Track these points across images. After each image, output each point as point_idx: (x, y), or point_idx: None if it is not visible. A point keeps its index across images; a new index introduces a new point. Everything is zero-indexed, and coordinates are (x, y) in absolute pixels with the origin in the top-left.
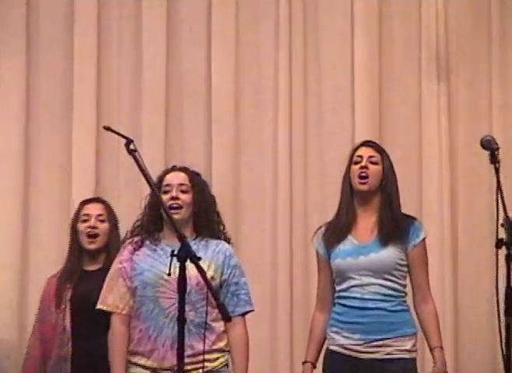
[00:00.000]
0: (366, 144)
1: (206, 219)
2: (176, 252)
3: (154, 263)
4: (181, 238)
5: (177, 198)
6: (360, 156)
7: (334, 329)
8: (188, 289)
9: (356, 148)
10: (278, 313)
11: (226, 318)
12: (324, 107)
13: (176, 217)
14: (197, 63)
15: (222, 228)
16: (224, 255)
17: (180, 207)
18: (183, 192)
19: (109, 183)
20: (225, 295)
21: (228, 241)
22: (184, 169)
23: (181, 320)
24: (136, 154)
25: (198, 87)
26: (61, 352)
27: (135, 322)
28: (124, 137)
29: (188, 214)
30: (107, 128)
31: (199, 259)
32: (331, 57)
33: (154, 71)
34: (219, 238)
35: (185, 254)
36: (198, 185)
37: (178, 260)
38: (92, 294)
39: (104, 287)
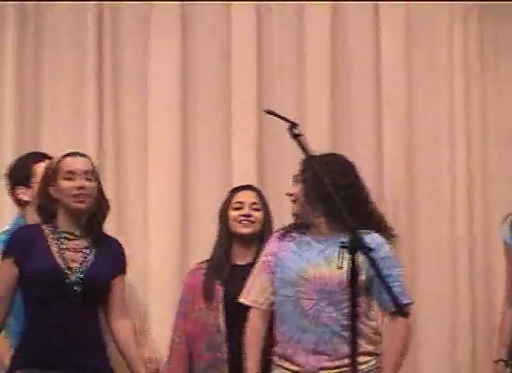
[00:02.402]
0: None
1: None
2: (347, 244)
3: (297, 259)
4: (352, 230)
5: None
6: None
7: None
8: (329, 289)
9: None
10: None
11: (403, 313)
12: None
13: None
14: (364, 41)
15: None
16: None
17: None
18: None
19: (272, 170)
20: (377, 289)
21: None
22: None
23: (354, 316)
24: (301, 138)
25: (365, 66)
26: (216, 355)
27: (277, 322)
28: (287, 120)
29: None
30: (270, 112)
31: (371, 250)
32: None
33: (318, 51)
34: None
35: (356, 245)
36: None
37: (350, 252)
38: None
39: (249, 280)
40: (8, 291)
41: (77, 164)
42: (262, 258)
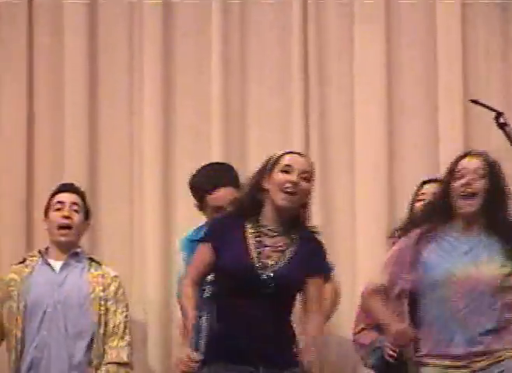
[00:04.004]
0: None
1: None
2: None
3: (443, 261)
4: None
5: None
6: None
7: None
8: (479, 290)
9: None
10: None
11: None
12: None
13: None
14: None
15: None
16: None
17: None
18: None
19: None
20: None
21: None
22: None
23: None
24: (507, 128)
25: None
26: None
27: (425, 323)
28: (493, 109)
29: None
30: (475, 101)
31: None
32: None
33: None
34: None
35: None
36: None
37: None
38: None
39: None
40: (206, 271)
41: (297, 161)
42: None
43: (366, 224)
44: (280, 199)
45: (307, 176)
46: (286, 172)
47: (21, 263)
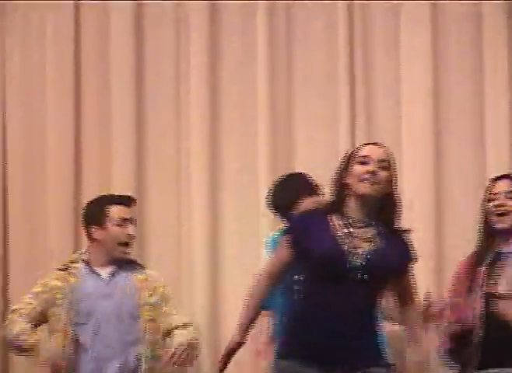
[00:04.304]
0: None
1: None
2: None
3: None
4: None
5: None
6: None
7: None
8: None
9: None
10: None
11: None
12: None
13: None
14: None
15: None
16: None
17: None
18: None
19: None
20: None
21: None
22: None
23: None
24: None
25: None
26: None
27: None
28: None
29: None
30: None
31: None
32: None
33: None
34: None
35: None
36: None
37: None
38: None
39: None
40: (282, 269)
41: (373, 151)
42: None
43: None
44: (362, 188)
45: (385, 164)
46: (364, 163)
47: (63, 270)
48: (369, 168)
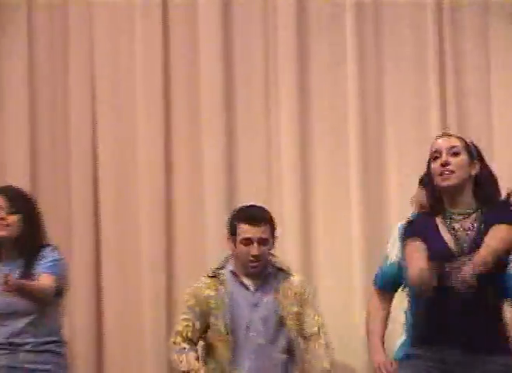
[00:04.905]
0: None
1: None
2: None
3: None
4: None
5: None
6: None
7: None
8: None
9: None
10: None
11: None
12: None
13: None
14: None
15: None
16: None
17: None
18: None
19: None
20: None
21: None
22: None
23: None
24: None
25: None
26: None
27: None
28: None
29: None
30: None
31: None
32: None
33: None
34: None
35: None
36: None
37: None
38: None
39: None
40: None
41: (442, 142)
42: None
43: None
44: (441, 182)
45: (456, 150)
46: (436, 157)
47: (212, 277)
48: (441, 160)
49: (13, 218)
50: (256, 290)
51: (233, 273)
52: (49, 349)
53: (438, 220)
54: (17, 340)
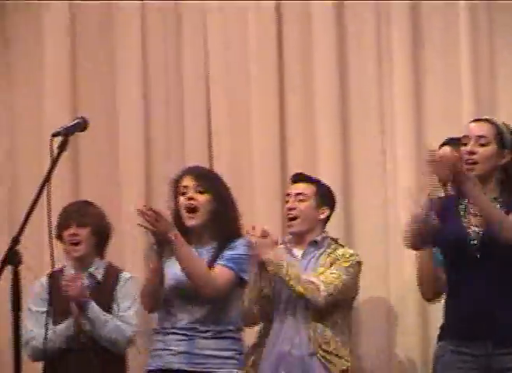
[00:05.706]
0: None
1: None
2: None
3: None
4: None
5: None
6: None
7: None
8: None
9: None
10: None
11: None
12: None
13: None
14: None
15: None
16: None
17: None
18: None
19: None
20: None
21: None
22: None
23: None
24: None
25: None
26: None
27: None
28: None
29: None
30: None
31: None
32: None
33: None
34: None
35: None
36: None
37: None
38: None
39: None
40: None
41: (472, 129)
42: None
43: None
44: (464, 169)
45: (483, 141)
46: (465, 143)
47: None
48: (467, 148)
49: (202, 198)
50: (302, 257)
51: (285, 242)
52: (228, 336)
53: (457, 203)
54: (198, 327)
